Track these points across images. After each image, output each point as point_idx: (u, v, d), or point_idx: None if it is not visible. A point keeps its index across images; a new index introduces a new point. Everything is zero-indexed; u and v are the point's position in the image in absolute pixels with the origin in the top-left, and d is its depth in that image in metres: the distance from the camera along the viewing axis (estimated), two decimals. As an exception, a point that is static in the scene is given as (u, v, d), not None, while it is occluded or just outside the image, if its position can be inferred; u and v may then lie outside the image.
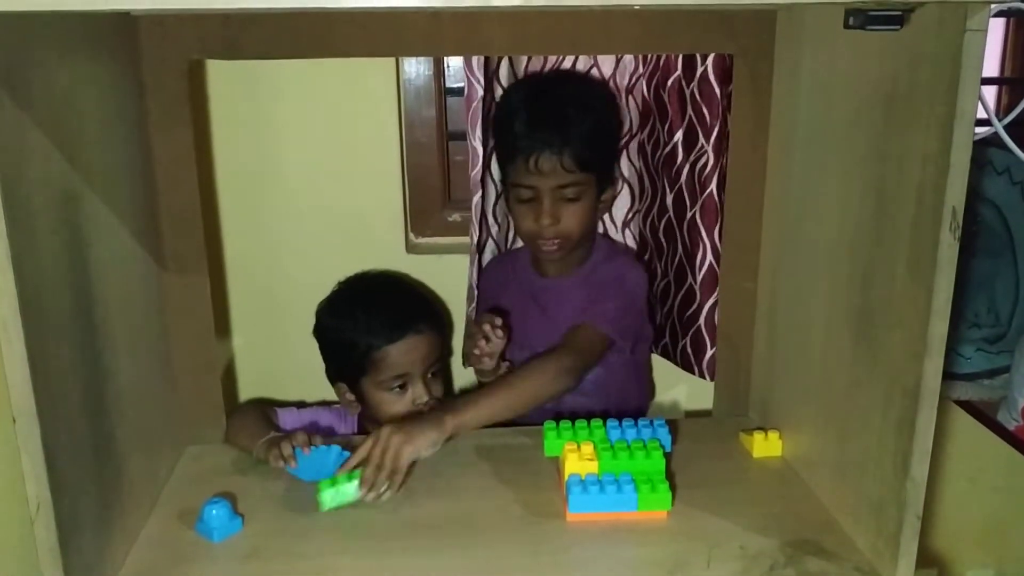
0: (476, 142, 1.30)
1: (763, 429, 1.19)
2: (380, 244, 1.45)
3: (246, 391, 1.56)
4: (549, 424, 1.14)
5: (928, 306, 0.79)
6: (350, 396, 1.31)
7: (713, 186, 1.29)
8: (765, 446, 1.17)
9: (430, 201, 1.48)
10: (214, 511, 0.98)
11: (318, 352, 1.37)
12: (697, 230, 1.32)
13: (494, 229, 1.41)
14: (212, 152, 1.41)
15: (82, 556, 0.84)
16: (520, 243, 1.43)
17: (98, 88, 0.95)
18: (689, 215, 1.34)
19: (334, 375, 1.33)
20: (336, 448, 1.09)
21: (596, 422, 1.12)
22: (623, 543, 0.97)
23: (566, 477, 1.03)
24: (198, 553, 0.96)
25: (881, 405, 0.89)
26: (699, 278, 1.34)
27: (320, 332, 1.34)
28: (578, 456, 1.04)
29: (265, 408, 1.31)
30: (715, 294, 1.33)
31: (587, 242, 1.34)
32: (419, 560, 0.94)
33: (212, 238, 1.43)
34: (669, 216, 1.38)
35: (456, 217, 1.49)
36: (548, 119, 1.22)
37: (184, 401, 1.20)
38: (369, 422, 1.36)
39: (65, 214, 0.84)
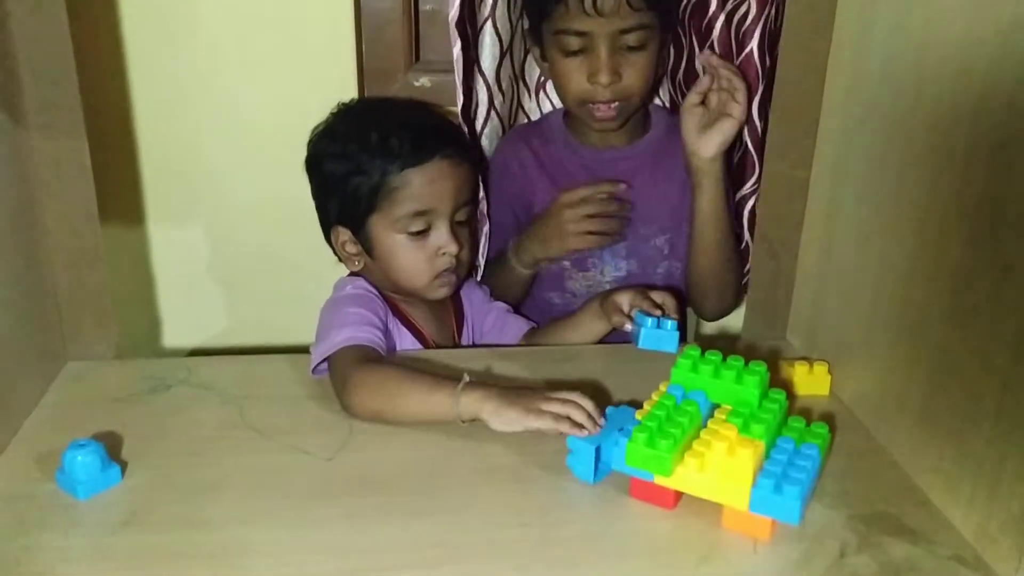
0: None
1: (807, 359, 0.94)
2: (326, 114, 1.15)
3: (167, 294, 1.30)
4: None
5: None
6: (352, 248, 1.00)
7: (754, 43, 1.02)
8: (809, 382, 0.92)
9: (391, 60, 1.21)
10: (79, 457, 0.71)
11: (246, 237, 1.17)
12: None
13: (497, 99, 1.11)
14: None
15: None
16: (532, 115, 1.20)
17: None
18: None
19: (333, 216, 1.00)
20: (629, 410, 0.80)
21: None
22: (645, 516, 0.72)
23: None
24: (55, 516, 0.70)
25: (1012, 337, 0.63)
26: (733, 161, 1.07)
27: (315, 160, 1.00)
28: None
29: (372, 350, 0.91)
30: (751, 182, 1.06)
31: (644, 107, 1.12)
32: (360, 532, 0.68)
33: (114, 97, 1.18)
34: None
35: (425, 82, 1.21)
36: None
37: (61, 303, 0.92)
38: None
39: None
